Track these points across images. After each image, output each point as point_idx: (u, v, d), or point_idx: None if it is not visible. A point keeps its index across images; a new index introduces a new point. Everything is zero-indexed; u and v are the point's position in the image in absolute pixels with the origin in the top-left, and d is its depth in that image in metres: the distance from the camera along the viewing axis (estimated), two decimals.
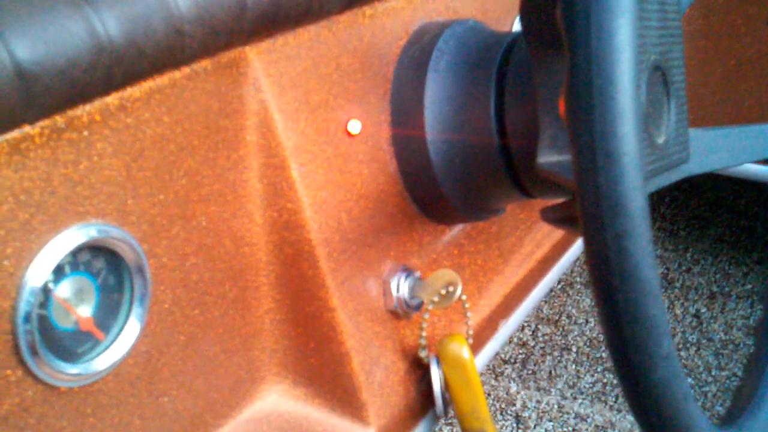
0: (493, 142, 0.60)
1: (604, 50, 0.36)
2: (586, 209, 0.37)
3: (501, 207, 0.69)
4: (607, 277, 0.37)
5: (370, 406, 0.60)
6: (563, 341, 1.43)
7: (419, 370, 0.64)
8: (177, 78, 0.48)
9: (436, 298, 0.62)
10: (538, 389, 1.37)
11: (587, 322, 1.46)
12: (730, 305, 1.43)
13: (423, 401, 0.64)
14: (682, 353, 1.38)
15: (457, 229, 0.71)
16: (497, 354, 1.40)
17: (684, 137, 0.55)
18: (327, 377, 0.59)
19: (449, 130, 0.61)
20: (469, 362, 0.62)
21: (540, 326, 1.45)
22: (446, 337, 0.62)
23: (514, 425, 1.31)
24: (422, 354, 0.63)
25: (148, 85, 0.47)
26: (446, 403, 0.63)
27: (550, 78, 0.54)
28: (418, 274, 0.63)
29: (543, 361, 1.42)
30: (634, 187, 0.36)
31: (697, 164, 0.57)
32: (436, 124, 0.61)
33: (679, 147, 0.54)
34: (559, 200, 0.59)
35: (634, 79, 0.36)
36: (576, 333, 1.44)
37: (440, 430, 1.22)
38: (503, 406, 1.34)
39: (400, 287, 0.62)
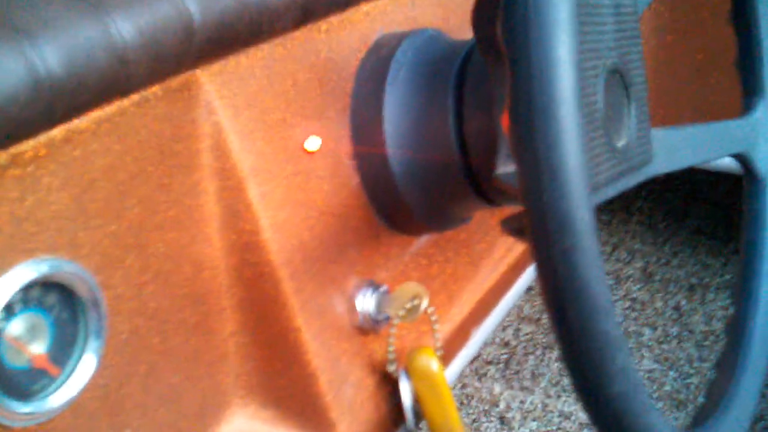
0: (454, 153, 0.59)
1: (542, 66, 0.35)
2: (533, 226, 0.37)
3: (466, 216, 0.68)
4: (558, 294, 0.37)
5: (340, 425, 0.59)
6: (545, 340, 1.43)
7: (389, 385, 0.64)
8: (125, 106, 0.47)
9: (402, 312, 0.61)
10: (522, 389, 1.37)
11: None
12: (709, 296, 1.44)
13: (394, 416, 0.64)
14: (664, 346, 1.38)
15: (425, 239, 0.70)
16: (480, 356, 1.39)
17: (646, 138, 0.55)
18: (295, 398, 0.59)
19: (409, 143, 0.61)
20: (439, 374, 0.61)
21: (522, 325, 1.45)
22: (414, 350, 0.62)
23: (499, 426, 1.30)
24: (391, 368, 0.62)
25: (95, 114, 0.46)
26: (417, 416, 0.62)
27: (504, 87, 0.53)
28: (384, 288, 0.63)
29: (526, 361, 1.42)
30: (579, 203, 0.36)
31: (660, 165, 0.57)
32: (396, 138, 0.61)
33: (641, 149, 0.53)
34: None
35: (575, 94, 0.36)
36: None
37: None
38: (487, 407, 1.34)
39: (366, 302, 0.62)
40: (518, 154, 0.36)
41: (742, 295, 0.61)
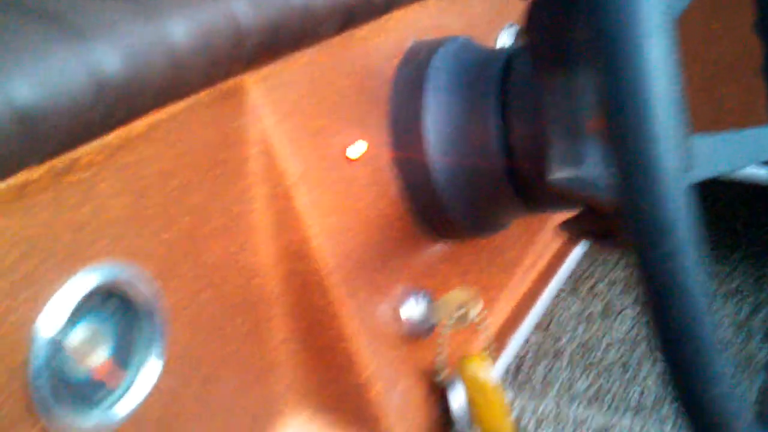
0: (498, 160, 0.59)
1: (639, 68, 0.34)
2: (633, 229, 0.36)
3: (507, 222, 0.67)
4: (659, 298, 0.36)
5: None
6: (555, 347, 1.43)
7: (437, 392, 0.62)
8: (177, 111, 0.46)
9: (451, 321, 0.60)
10: (534, 396, 1.36)
11: (577, 327, 1.45)
12: (717, 304, 1.44)
13: (443, 423, 0.63)
14: None
15: (463, 246, 0.69)
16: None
17: (687, 144, 0.54)
18: (346, 406, 0.57)
19: (451, 149, 0.60)
20: (491, 381, 0.60)
21: (531, 333, 1.45)
22: (466, 357, 0.61)
23: None
24: (440, 376, 0.61)
25: (148, 120, 0.45)
26: (469, 423, 0.61)
27: (558, 95, 0.53)
28: (429, 295, 0.62)
29: (535, 369, 1.41)
30: (681, 204, 0.35)
31: (701, 171, 0.56)
32: (438, 145, 0.60)
33: (685, 154, 0.53)
34: (567, 213, 0.58)
35: (674, 97, 0.35)
36: (567, 338, 1.44)
37: None
38: None
39: (413, 310, 0.61)
40: (617, 158, 0.36)
41: None
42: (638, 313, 1.45)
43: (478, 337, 0.69)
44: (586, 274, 1.53)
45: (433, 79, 0.60)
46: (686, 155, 0.50)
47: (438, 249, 0.66)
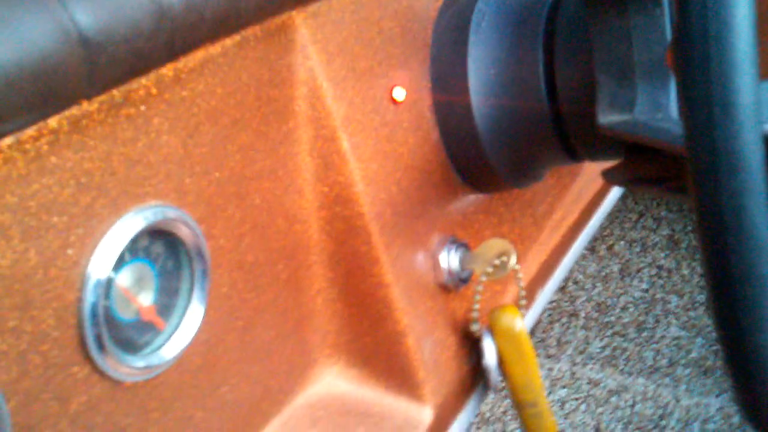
0: (543, 104, 0.57)
1: (726, 6, 0.33)
2: (698, 166, 0.35)
3: (545, 172, 0.67)
4: (721, 236, 0.35)
5: (426, 384, 0.58)
6: (571, 308, 1.43)
7: (469, 344, 0.62)
8: (228, 46, 0.45)
9: (489, 269, 0.60)
10: (548, 357, 1.37)
11: (594, 287, 1.45)
12: None
13: (475, 376, 0.62)
14: (691, 313, 1.38)
15: (496, 197, 0.69)
16: None
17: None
18: (381, 356, 0.57)
19: (495, 94, 0.59)
20: (522, 333, 0.60)
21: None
22: (498, 309, 0.60)
23: None
24: (475, 327, 0.61)
25: (200, 55, 0.44)
26: (500, 375, 0.61)
27: (609, 37, 0.51)
28: (466, 245, 0.61)
29: (551, 329, 1.41)
30: (753, 141, 0.34)
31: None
32: (481, 88, 0.59)
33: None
34: (606, 164, 0.57)
35: (752, 25, 0.34)
36: (583, 299, 1.44)
37: None
38: None
39: (450, 259, 0.60)
40: (686, 89, 0.35)
41: None
42: (655, 274, 1.45)
43: (509, 290, 0.68)
44: (605, 233, 1.53)
45: (477, 20, 0.59)
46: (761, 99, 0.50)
47: (474, 199, 0.65)
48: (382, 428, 0.57)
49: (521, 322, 0.60)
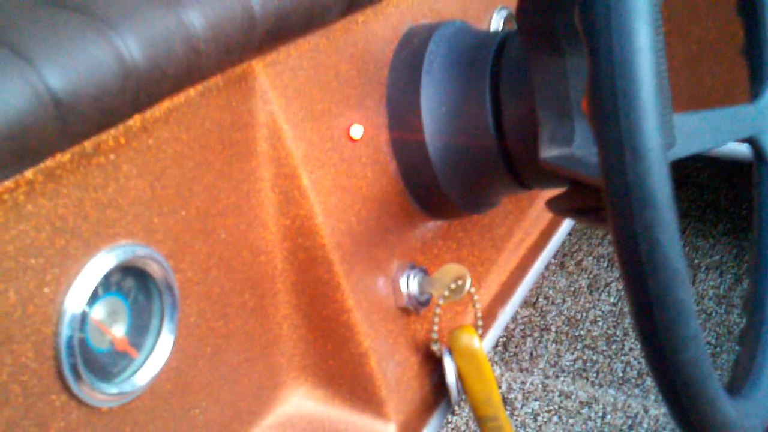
0: (491, 139, 0.61)
1: (626, 53, 0.37)
2: (616, 203, 0.39)
3: (499, 200, 0.70)
4: (638, 266, 0.39)
5: (389, 403, 0.61)
6: (542, 322, 1.46)
7: (431, 363, 0.66)
8: (192, 96, 0.49)
9: (446, 293, 0.63)
10: (521, 370, 1.40)
11: (564, 301, 1.49)
12: (700, 276, 1.48)
13: (437, 393, 0.66)
14: None
15: (455, 223, 0.73)
16: None
17: (670, 123, 0.57)
18: (346, 377, 0.61)
19: (447, 130, 0.63)
20: (480, 352, 0.64)
21: (518, 309, 1.48)
22: (457, 330, 0.64)
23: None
24: (435, 347, 0.64)
25: (166, 105, 0.47)
26: (459, 393, 0.65)
27: (548, 77, 0.56)
28: (425, 270, 0.65)
29: (524, 343, 1.45)
30: (661, 180, 0.38)
31: (682, 148, 0.59)
32: (434, 125, 0.63)
33: (667, 132, 0.56)
34: (557, 190, 0.61)
35: (656, 77, 0.38)
36: (554, 313, 1.48)
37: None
38: None
39: (410, 284, 0.64)
40: (600, 136, 0.39)
41: (759, 271, 0.64)
42: (622, 289, 1.49)
43: (469, 311, 0.72)
44: (574, 249, 1.57)
45: (429, 62, 0.63)
46: (668, 133, 0.53)
47: (432, 226, 0.69)
48: None
49: (478, 342, 0.64)
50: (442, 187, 0.64)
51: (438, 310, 0.64)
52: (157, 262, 0.47)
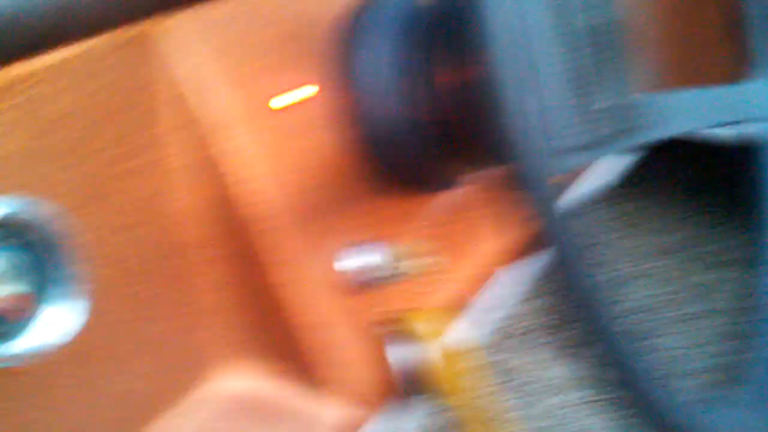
0: (427, 112, 0.58)
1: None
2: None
3: (452, 179, 0.66)
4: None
5: (329, 383, 0.57)
6: (558, 313, 1.41)
7: (380, 346, 0.62)
8: (74, 54, 0.46)
9: (397, 272, 0.59)
10: (540, 360, 1.36)
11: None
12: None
13: (386, 379, 0.62)
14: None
15: (419, 201, 0.68)
16: (497, 328, 1.38)
17: (634, 102, 0.52)
18: (281, 355, 0.57)
19: (382, 102, 0.59)
20: (442, 339, 0.59)
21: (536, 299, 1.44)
22: (410, 311, 0.60)
23: (518, 397, 1.30)
24: (383, 329, 0.60)
25: (41, 62, 0.45)
26: (409, 378, 0.60)
27: None
28: (375, 246, 0.61)
29: (542, 334, 1.41)
30: (535, 180, 0.43)
31: (657, 130, 0.54)
32: (369, 96, 0.60)
33: (630, 113, 0.52)
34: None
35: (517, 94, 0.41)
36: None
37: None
38: (506, 379, 1.34)
39: (357, 261, 0.60)
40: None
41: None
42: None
43: (434, 294, 0.68)
44: None
45: (365, 32, 0.60)
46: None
47: (392, 202, 0.65)
48: (282, 423, 0.57)
49: (441, 327, 0.60)
50: (380, 160, 0.60)
51: (390, 290, 0.60)
52: (48, 219, 0.45)
